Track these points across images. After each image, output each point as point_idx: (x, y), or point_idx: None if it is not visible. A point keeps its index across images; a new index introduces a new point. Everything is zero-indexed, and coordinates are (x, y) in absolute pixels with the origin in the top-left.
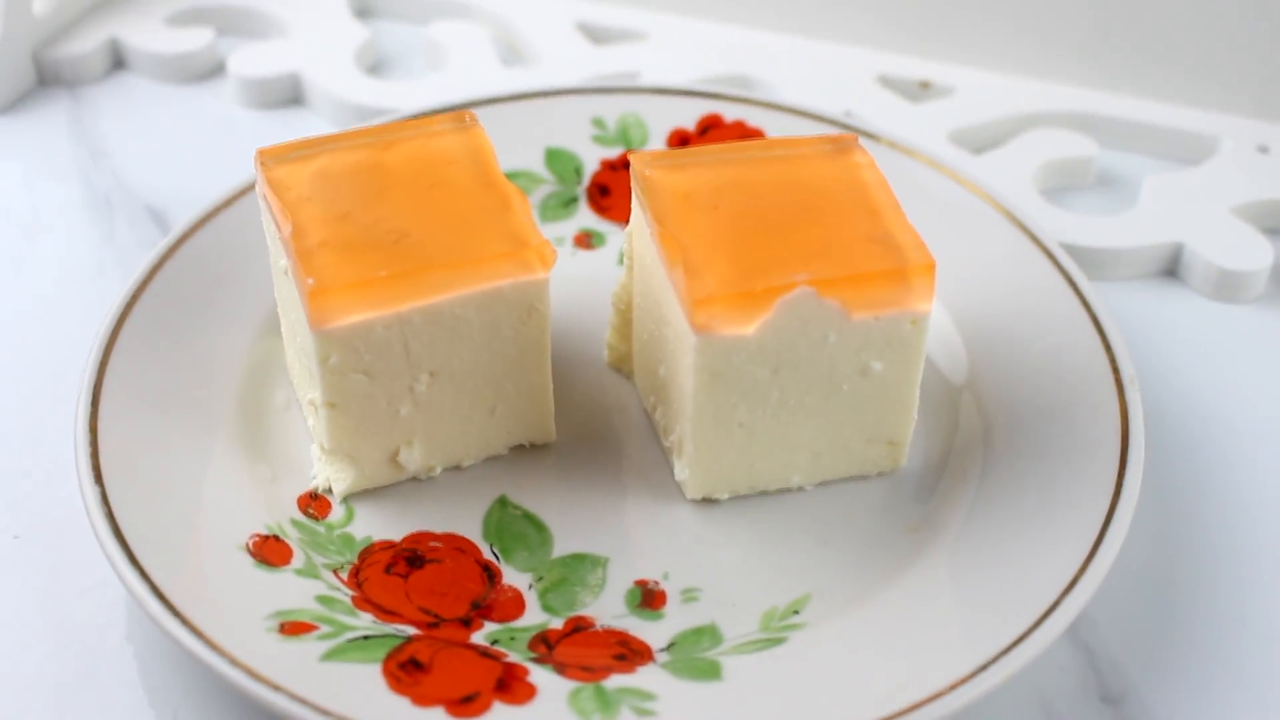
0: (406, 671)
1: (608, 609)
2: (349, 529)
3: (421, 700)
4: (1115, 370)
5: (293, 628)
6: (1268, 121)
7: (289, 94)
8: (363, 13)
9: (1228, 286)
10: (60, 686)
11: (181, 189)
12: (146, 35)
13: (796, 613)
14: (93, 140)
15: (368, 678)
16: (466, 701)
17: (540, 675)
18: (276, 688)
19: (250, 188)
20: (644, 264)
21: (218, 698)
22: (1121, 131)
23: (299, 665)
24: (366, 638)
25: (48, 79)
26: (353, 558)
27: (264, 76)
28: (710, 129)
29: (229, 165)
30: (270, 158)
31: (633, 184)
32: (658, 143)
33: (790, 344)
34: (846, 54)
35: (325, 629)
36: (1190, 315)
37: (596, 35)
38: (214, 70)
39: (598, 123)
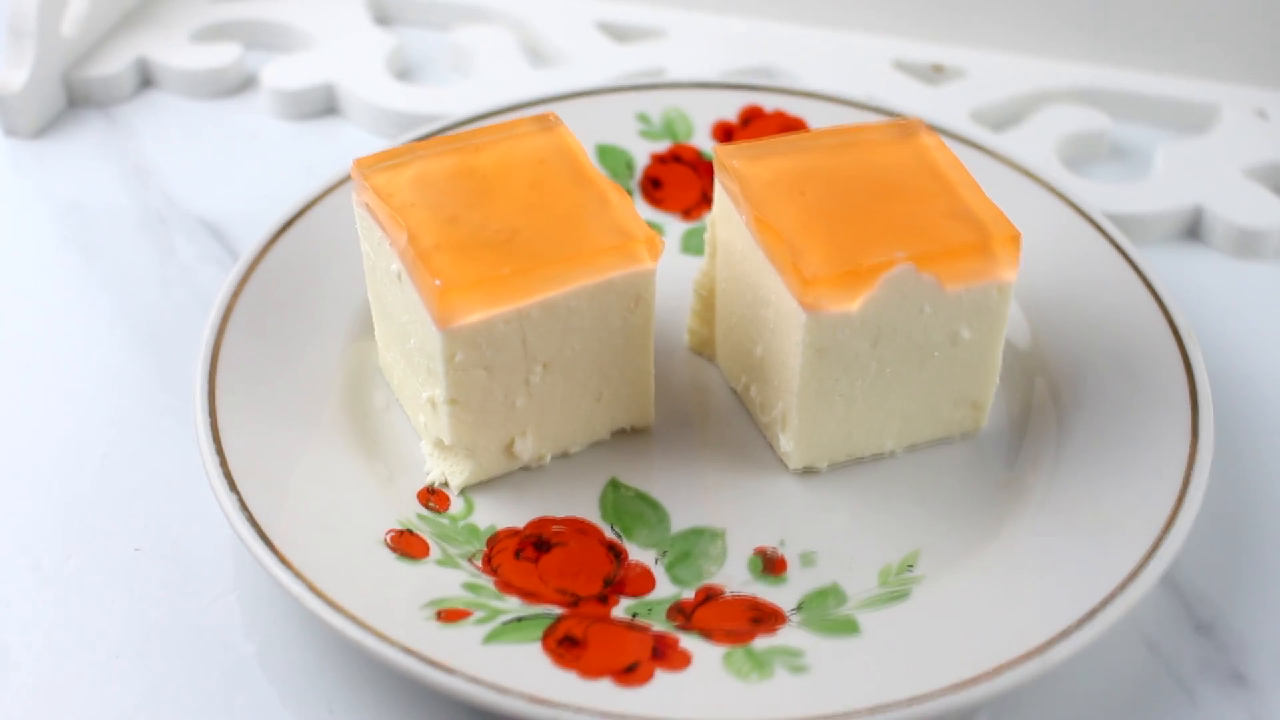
0: (566, 648)
1: (734, 577)
2: (472, 519)
3: (588, 673)
4: (1172, 325)
5: (449, 614)
6: (1263, 88)
7: (323, 104)
8: (382, 20)
9: (1248, 244)
10: (210, 694)
11: (232, 202)
12: (174, 53)
13: (911, 567)
14: (134, 159)
15: (531, 656)
16: (629, 671)
17: (690, 642)
18: (452, 671)
19: (319, 198)
20: (731, 250)
21: (370, 688)
22: (1124, 103)
23: (466, 649)
24: (519, 619)
25: (78, 100)
26: (481, 546)
27: (298, 88)
28: (752, 120)
29: (275, 177)
30: (367, 166)
31: (719, 175)
32: (702, 134)
33: (890, 318)
34: (859, 41)
35: (480, 614)
36: (1215, 273)
37: (618, 34)
38: (243, 85)
39: (642, 118)
